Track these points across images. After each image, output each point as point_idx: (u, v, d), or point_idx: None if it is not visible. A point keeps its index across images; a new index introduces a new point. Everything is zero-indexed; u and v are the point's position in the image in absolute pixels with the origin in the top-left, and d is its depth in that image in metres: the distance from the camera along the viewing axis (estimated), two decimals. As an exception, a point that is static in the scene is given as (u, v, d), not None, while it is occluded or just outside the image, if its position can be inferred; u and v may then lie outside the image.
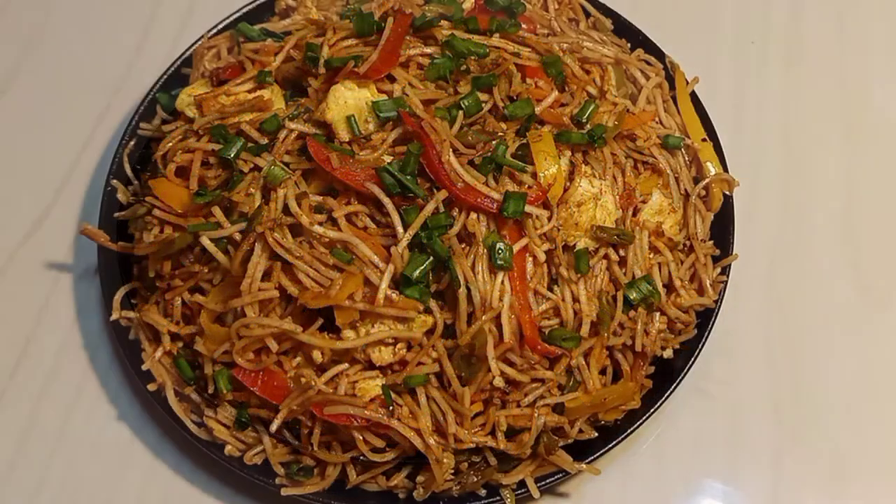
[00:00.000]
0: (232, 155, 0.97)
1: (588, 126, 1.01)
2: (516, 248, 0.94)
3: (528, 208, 0.94)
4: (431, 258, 0.92)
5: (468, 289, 0.92)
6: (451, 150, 0.94)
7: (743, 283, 1.13)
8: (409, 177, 0.93)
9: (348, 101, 0.98)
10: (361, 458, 0.95)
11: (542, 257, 0.96)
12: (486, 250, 0.93)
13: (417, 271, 0.91)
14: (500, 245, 0.93)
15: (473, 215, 0.94)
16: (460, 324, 0.93)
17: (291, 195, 0.93)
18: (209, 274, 0.97)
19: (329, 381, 0.93)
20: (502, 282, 0.93)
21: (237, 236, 0.94)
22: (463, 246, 0.94)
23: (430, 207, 0.92)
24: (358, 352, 0.93)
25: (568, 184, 0.99)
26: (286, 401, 0.94)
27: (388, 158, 0.95)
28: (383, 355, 0.93)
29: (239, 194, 0.96)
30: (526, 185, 0.96)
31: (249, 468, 0.98)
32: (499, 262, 0.92)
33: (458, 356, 0.93)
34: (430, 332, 0.93)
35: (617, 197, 1.01)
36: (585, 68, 1.07)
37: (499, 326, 0.93)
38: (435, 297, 0.93)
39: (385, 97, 0.99)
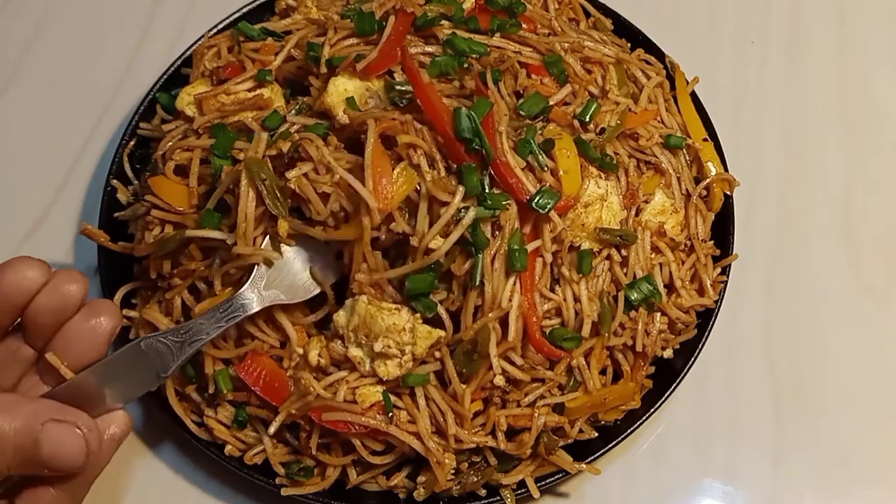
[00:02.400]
0: (219, 152, 0.97)
1: (591, 125, 1.01)
2: (530, 248, 0.94)
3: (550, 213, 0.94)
4: (434, 276, 0.92)
5: (482, 283, 0.92)
6: (506, 125, 0.94)
7: (743, 283, 1.13)
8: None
9: (348, 88, 0.98)
10: (361, 459, 0.95)
11: (550, 259, 0.96)
12: (507, 248, 0.93)
13: (419, 286, 0.91)
14: (516, 247, 0.93)
15: (511, 210, 0.93)
16: (466, 317, 0.93)
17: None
18: (206, 271, 0.97)
19: (328, 387, 0.93)
20: (514, 282, 0.93)
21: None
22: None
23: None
24: (364, 366, 0.93)
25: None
26: (285, 404, 0.94)
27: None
28: (389, 369, 0.93)
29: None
30: (548, 185, 0.95)
31: (249, 468, 0.98)
32: (516, 264, 0.92)
33: (459, 352, 0.93)
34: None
35: (621, 197, 1.01)
36: (587, 68, 1.07)
37: (504, 325, 0.93)
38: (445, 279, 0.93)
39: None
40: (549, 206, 0.93)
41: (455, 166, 0.92)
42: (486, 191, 0.92)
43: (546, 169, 0.95)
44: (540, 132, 0.98)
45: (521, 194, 0.93)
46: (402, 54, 0.96)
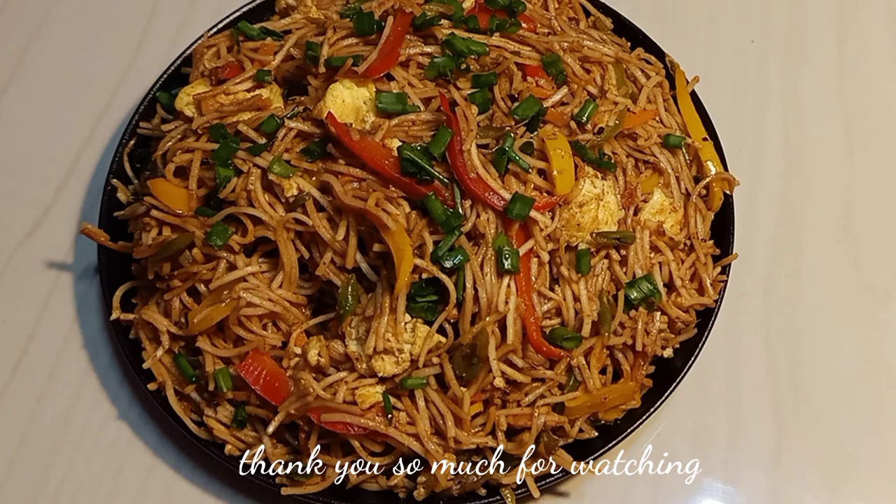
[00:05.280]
0: (224, 156, 0.97)
1: (588, 125, 1.01)
2: (522, 250, 0.94)
3: (532, 213, 0.94)
4: (434, 293, 0.93)
5: (475, 290, 0.92)
6: (474, 140, 0.95)
7: (743, 283, 1.13)
8: (428, 159, 0.93)
9: (346, 99, 0.98)
10: (361, 459, 0.95)
11: (546, 258, 0.96)
12: (494, 253, 0.93)
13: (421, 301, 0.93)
14: (506, 249, 0.93)
15: (483, 216, 0.94)
16: (464, 323, 0.93)
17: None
18: (208, 274, 0.97)
19: (328, 388, 0.93)
20: (508, 285, 0.93)
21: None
22: (471, 244, 0.94)
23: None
24: (361, 363, 0.93)
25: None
26: (284, 404, 0.94)
27: (395, 143, 0.95)
28: (386, 365, 0.93)
29: (234, 193, 0.96)
30: (531, 186, 0.95)
31: (249, 468, 0.98)
32: (506, 266, 0.92)
33: (458, 356, 0.93)
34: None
35: (619, 196, 1.01)
36: (586, 67, 1.07)
37: (503, 328, 0.93)
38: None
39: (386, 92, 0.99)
40: (525, 213, 0.93)
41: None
42: (451, 212, 0.93)
43: (531, 171, 0.96)
44: (520, 136, 0.98)
45: (495, 205, 0.93)
46: (332, 119, 0.96)
